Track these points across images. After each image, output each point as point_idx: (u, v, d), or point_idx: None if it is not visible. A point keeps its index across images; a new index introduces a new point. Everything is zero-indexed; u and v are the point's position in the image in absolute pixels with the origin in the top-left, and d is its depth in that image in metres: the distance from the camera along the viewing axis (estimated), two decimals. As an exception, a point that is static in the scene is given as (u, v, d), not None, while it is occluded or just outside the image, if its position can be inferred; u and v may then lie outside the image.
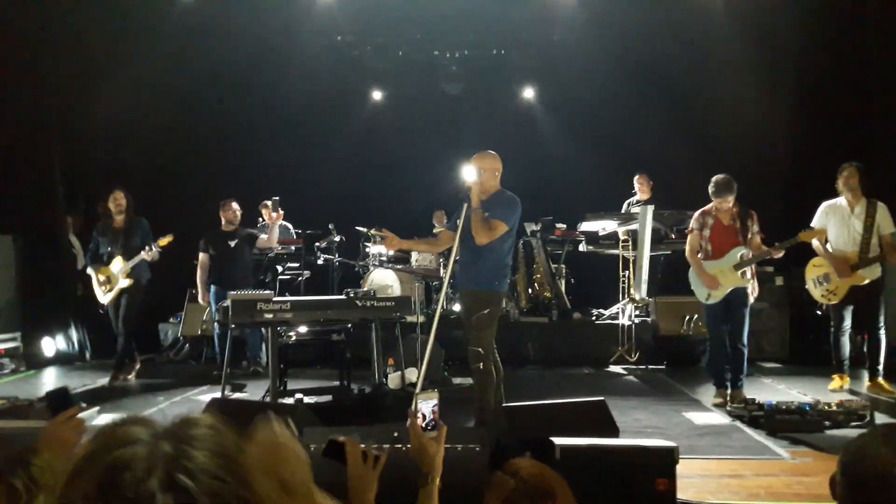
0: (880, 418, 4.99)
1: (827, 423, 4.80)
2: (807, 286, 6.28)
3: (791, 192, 8.80)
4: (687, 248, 5.97)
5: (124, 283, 6.87)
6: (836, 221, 6.03)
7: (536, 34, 10.42)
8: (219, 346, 7.19)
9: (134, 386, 6.95)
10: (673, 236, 8.66)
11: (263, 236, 7.53)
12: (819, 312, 6.46)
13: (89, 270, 7.16)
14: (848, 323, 6.16)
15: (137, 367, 7.22)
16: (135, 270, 6.89)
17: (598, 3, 9.35)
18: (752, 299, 5.80)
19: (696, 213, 5.94)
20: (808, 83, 8.88)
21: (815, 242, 6.05)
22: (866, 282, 5.90)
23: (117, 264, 6.89)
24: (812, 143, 8.65)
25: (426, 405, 2.24)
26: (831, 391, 6.10)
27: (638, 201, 8.73)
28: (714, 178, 5.73)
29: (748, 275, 5.69)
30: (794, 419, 4.78)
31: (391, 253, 8.95)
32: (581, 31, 9.88)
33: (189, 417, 0.88)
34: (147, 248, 6.82)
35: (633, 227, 8.08)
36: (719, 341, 5.84)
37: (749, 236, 5.66)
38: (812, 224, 6.12)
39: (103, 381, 6.98)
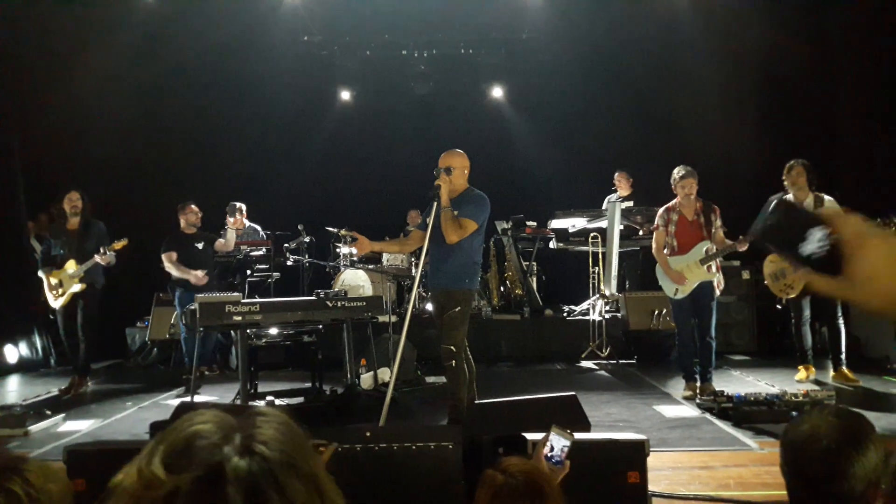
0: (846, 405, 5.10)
1: (794, 413, 4.88)
2: (766, 282, 6.45)
3: (758, 186, 8.96)
4: (653, 244, 6.05)
5: (76, 287, 6.61)
6: None
7: (505, 33, 10.45)
8: (186, 349, 7.08)
9: (101, 391, 6.79)
10: (641, 232, 8.76)
11: (221, 240, 7.46)
12: (779, 307, 6.58)
13: (40, 273, 6.83)
14: (807, 314, 6.31)
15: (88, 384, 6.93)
16: (88, 275, 6.63)
17: (567, 2, 9.40)
18: (718, 292, 5.88)
19: (661, 210, 6.02)
20: (774, 80, 9.09)
21: None
22: None
23: (70, 268, 6.64)
24: (777, 136, 8.82)
25: (557, 441, 2.33)
26: (798, 382, 6.23)
27: (619, 198, 8.82)
28: (675, 169, 5.87)
29: (713, 268, 5.78)
30: (762, 410, 4.86)
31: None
32: (549, 30, 9.94)
33: (252, 407, 0.93)
34: (101, 251, 6.57)
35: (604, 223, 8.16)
36: (687, 335, 5.92)
37: (713, 231, 5.75)
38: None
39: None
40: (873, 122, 7.85)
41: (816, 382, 6.18)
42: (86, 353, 6.79)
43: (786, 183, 6.16)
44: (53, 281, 6.71)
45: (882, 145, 7.67)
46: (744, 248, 5.70)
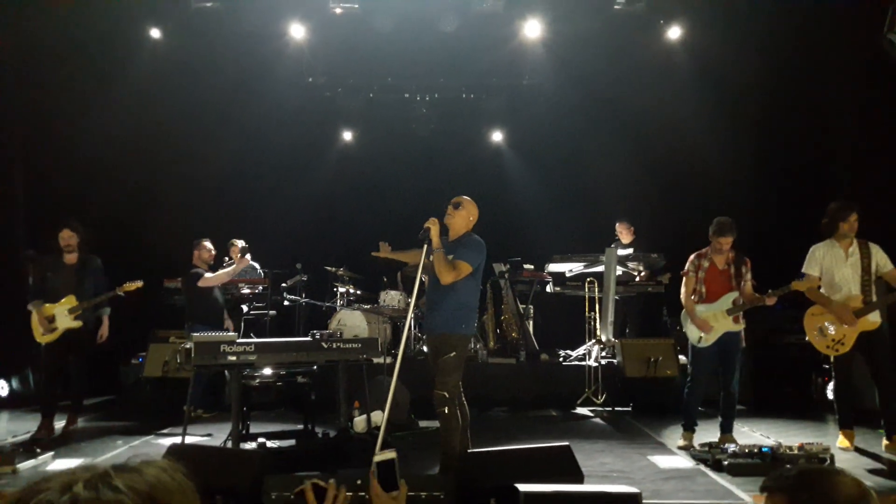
0: (840, 461, 5.04)
1: (789, 466, 4.83)
2: (808, 338, 5.81)
3: (757, 229, 9.02)
4: (682, 290, 5.90)
5: (72, 324, 6.45)
6: (832, 265, 5.66)
7: (506, 78, 10.62)
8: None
9: (92, 429, 6.72)
10: (638, 278, 8.80)
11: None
12: (826, 366, 6.05)
13: (30, 307, 6.57)
14: (852, 373, 5.76)
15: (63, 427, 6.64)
16: (84, 313, 6.52)
17: (567, 49, 9.58)
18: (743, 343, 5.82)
19: (692, 256, 5.89)
20: (771, 121, 9.19)
21: (807, 288, 5.62)
22: (875, 326, 5.51)
23: (69, 304, 6.47)
24: (776, 180, 8.90)
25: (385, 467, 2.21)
26: (841, 450, 5.56)
27: (623, 246, 8.88)
28: (717, 219, 5.69)
29: (740, 319, 5.68)
30: (757, 463, 4.82)
31: (358, 292, 8.93)
32: (549, 76, 10.11)
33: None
34: (112, 291, 6.55)
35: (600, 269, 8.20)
36: (700, 384, 5.85)
37: (742, 283, 5.66)
38: (804, 269, 5.73)
39: (58, 424, 6.54)
40: (870, 161, 7.86)
41: (857, 450, 5.59)
42: (78, 391, 6.73)
43: (844, 229, 5.62)
44: (47, 314, 6.47)
45: (878, 184, 7.65)
46: (772, 302, 5.46)
